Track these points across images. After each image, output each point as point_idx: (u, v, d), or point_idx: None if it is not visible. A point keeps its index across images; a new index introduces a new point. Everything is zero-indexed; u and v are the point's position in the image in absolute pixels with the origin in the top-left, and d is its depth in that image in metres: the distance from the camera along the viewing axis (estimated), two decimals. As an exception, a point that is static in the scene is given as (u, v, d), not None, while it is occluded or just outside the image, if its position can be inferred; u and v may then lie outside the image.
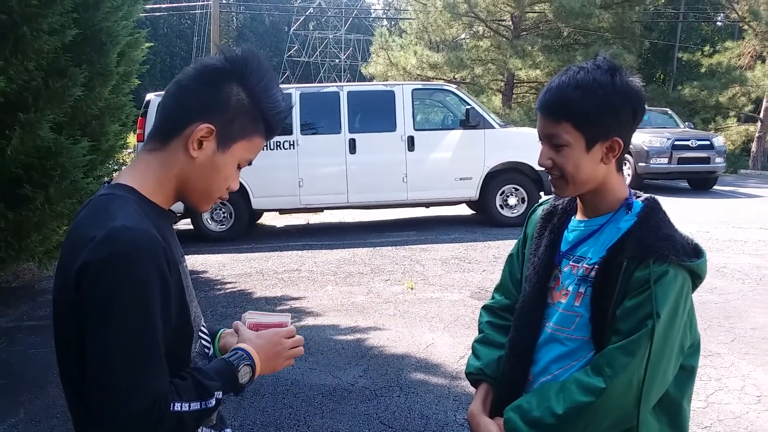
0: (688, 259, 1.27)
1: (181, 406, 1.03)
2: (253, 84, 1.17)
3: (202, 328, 1.28)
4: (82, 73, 5.20)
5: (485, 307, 1.65)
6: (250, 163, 1.24)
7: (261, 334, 1.27)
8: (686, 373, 1.34)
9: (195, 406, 1.06)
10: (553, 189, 1.41)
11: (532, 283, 1.46)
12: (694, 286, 1.32)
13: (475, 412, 1.47)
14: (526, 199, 8.95)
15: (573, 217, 1.46)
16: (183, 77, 1.18)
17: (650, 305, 1.22)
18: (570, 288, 1.38)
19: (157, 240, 1.05)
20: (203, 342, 1.26)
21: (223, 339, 1.37)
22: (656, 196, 1.39)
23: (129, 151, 10.00)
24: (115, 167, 6.89)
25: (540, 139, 1.37)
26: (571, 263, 1.40)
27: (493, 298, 1.66)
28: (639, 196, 1.39)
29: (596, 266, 1.33)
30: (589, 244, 1.38)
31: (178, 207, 1.22)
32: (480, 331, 1.62)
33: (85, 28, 5.35)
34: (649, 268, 1.24)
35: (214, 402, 1.10)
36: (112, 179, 1.19)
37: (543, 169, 1.38)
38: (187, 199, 1.21)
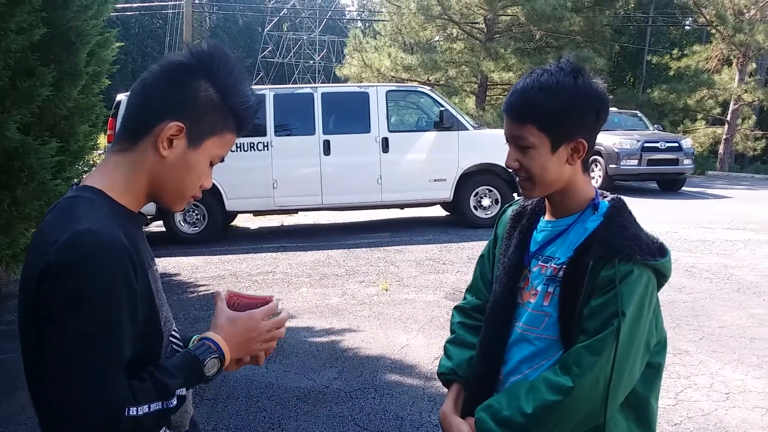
0: (653, 258, 1.29)
1: (137, 411, 1.00)
2: (222, 79, 1.15)
3: (174, 333, 1.25)
4: (51, 73, 5.10)
5: (457, 308, 1.66)
6: (222, 160, 1.22)
7: (234, 318, 1.20)
8: (653, 371, 1.35)
9: (155, 406, 1.03)
10: (520, 190, 1.43)
11: (502, 284, 1.47)
12: (660, 285, 1.34)
13: (446, 411, 1.48)
14: (499, 200, 9.01)
15: (542, 218, 1.47)
16: (149, 75, 1.15)
17: (616, 304, 1.24)
18: (539, 288, 1.39)
19: (123, 244, 1.03)
20: (174, 347, 1.23)
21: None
22: (622, 196, 1.42)
23: (99, 152, 9.83)
24: (85, 168, 6.77)
25: (507, 141, 1.39)
26: (540, 263, 1.41)
27: (465, 298, 1.67)
28: (605, 197, 1.42)
29: (564, 266, 1.35)
30: (557, 244, 1.39)
31: (151, 209, 1.20)
32: (452, 331, 1.63)
33: (54, 27, 5.26)
34: (615, 267, 1.26)
35: (175, 401, 1.07)
36: (80, 181, 1.17)
37: (511, 170, 1.40)
38: (160, 199, 1.19)
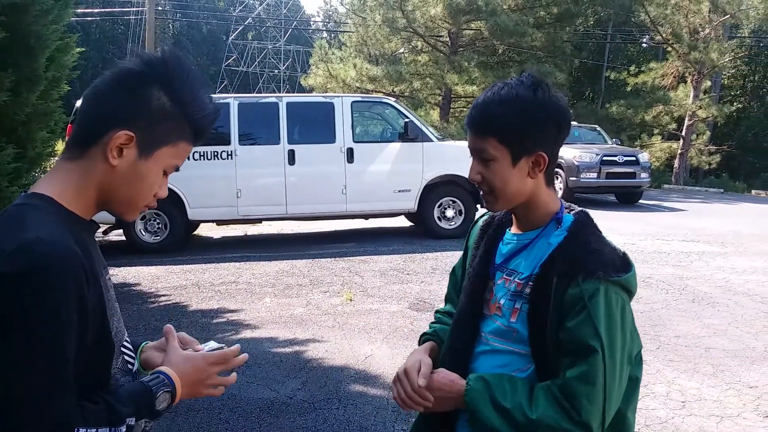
0: (616, 274, 1.27)
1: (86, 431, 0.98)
2: (176, 87, 1.12)
3: (125, 343, 1.22)
4: (9, 78, 4.99)
5: (437, 311, 1.68)
6: (177, 169, 1.19)
7: (189, 357, 1.20)
8: (630, 383, 1.34)
9: (103, 431, 1.01)
10: (484, 204, 1.43)
11: (467, 294, 1.48)
12: (630, 298, 1.34)
13: (420, 356, 1.44)
14: (463, 211, 9.10)
15: (508, 230, 1.48)
16: (100, 82, 1.12)
17: (591, 324, 1.23)
18: (502, 301, 1.39)
19: (74, 252, 0.99)
20: (126, 358, 1.21)
21: (146, 353, 1.31)
22: (587, 210, 1.42)
23: (57, 159, 9.64)
24: (43, 175, 6.62)
25: (471, 154, 1.39)
26: (504, 276, 1.41)
27: (445, 305, 1.69)
28: (572, 210, 1.42)
29: (530, 282, 1.33)
30: (522, 257, 1.39)
31: (111, 218, 1.18)
32: (434, 321, 1.65)
33: (13, 32, 5.13)
34: (580, 285, 1.25)
35: (124, 429, 1.04)
36: (29, 188, 1.12)
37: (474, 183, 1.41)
38: (111, 208, 1.16)
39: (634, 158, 13.33)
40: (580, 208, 1.42)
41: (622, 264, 1.31)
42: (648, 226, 10.43)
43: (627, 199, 13.92)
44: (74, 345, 0.98)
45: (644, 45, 31.04)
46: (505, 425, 1.26)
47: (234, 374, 1.26)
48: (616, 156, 13.15)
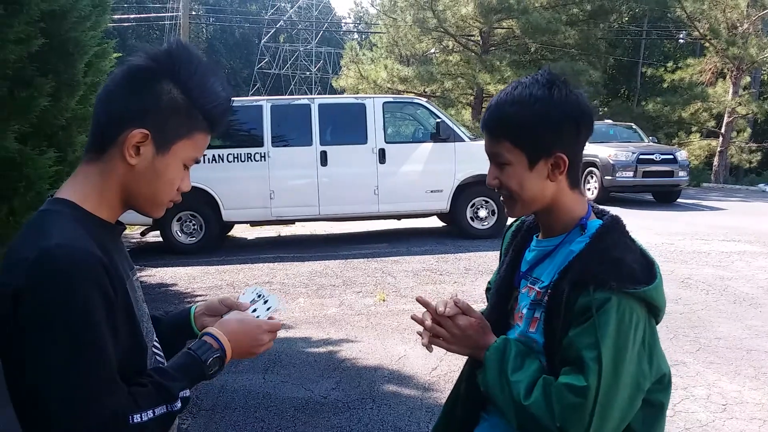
0: (632, 285, 1.17)
1: (141, 417, 0.99)
2: (184, 79, 1.10)
3: (155, 342, 1.23)
4: (49, 84, 5.10)
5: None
6: (197, 161, 1.18)
7: (244, 323, 1.22)
8: (654, 410, 1.26)
9: (160, 410, 1.02)
10: (505, 209, 1.36)
11: (493, 304, 1.44)
12: (654, 316, 1.24)
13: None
14: (496, 211, 9.04)
15: (535, 236, 1.41)
16: (110, 82, 1.11)
17: (593, 335, 1.15)
18: (524, 311, 1.34)
19: (94, 256, 0.99)
20: (157, 358, 1.22)
21: (199, 319, 1.33)
22: (619, 216, 1.34)
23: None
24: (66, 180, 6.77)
25: (488, 158, 1.33)
26: (528, 284, 1.35)
27: None
28: (603, 215, 1.34)
29: (549, 290, 1.27)
30: (544, 265, 1.33)
31: (147, 219, 1.18)
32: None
33: (52, 38, 5.26)
34: (590, 295, 1.17)
35: (179, 403, 1.05)
36: (54, 194, 1.12)
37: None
38: (136, 206, 1.15)
39: (671, 156, 13.05)
40: (612, 213, 1.34)
41: (645, 275, 1.20)
42: (687, 226, 10.21)
43: (665, 198, 13.65)
44: (109, 342, 0.99)
45: (681, 41, 30.39)
46: (502, 395, 1.23)
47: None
48: (653, 154, 12.90)
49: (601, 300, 1.16)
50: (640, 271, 1.20)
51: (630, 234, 1.30)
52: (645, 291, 1.18)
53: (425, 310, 1.36)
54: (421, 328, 1.36)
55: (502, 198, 1.35)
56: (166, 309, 5.76)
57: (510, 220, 1.58)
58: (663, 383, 1.27)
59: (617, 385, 1.15)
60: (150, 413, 1.00)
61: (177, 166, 1.14)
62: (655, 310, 1.23)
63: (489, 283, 1.61)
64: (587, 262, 1.21)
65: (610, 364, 1.14)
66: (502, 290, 1.42)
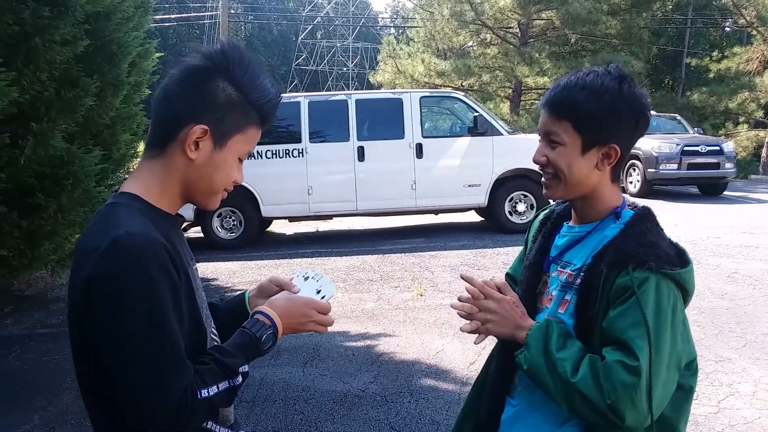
0: (670, 267, 1.22)
1: (208, 392, 1.07)
2: (238, 76, 1.17)
3: (213, 329, 1.30)
4: (94, 83, 5.26)
5: None
6: (250, 154, 1.25)
7: (293, 300, 1.29)
8: (683, 394, 1.28)
9: (223, 385, 1.10)
10: (544, 189, 1.39)
11: (522, 287, 1.47)
12: (684, 300, 1.27)
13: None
14: (534, 205, 8.95)
15: (565, 223, 1.45)
16: (169, 82, 1.18)
17: (638, 312, 1.18)
18: (554, 293, 1.37)
19: (161, 244, 1.06)
20: (215, 344, 1.27)
21: (254, 302, 1.41)
22: (651, 207, 1.38)
23: (140, 159, 10.09)
24: (126, 176, 6.95)
25: (540, 136, 1.37)
26: (558, 268, 1.39)
27: None
28: (635, 207, 1.37)
29: (581, 273, 1.31)
30: (576, 250, 1.37)
31: (189, 215, 1.23)
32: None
33: (97, 39, 5.42)
34: (630, 274, 1.21)
35: (240, 378, 1.13)
36: (119, 188, 1.20)
37: (538, 166, 1.37)
38: (194, 199, 1.22)
39: (717, 148, 12.69)
40: (643, 205, 1.38)
41: (679, 259, 1.26)
42: (733, 219, 9.92)
43: (710, 190, 13.29)
44: (175, 323, 1.06)
45: (727, 29, 29.47)
46: (548, 373, 1.25)
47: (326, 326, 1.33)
48: (698, 146, 12.57)
49: (641, 279, 1.20)
50: (675, 255, 1.26)
51: (660, 225, 1.34)
52: (680, 273, 1.23)
53: (466, 295, 1.42)
54: (463, 323, 1.41)
55: (544, 178, 1.37)
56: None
57: (538, 211, 1.61)
58: (692, 368, 1.30)
59: (661, 362, 1.18)
60: (215, 388, 1.08)
61: (233, 160, 1.21)
62: (686, 294, 1.27)
63: (509, 270, 1.65)
64: (625, 243, 1.26)
65: (654, 340, 1.17)
66: (531, 275, 1.45)
